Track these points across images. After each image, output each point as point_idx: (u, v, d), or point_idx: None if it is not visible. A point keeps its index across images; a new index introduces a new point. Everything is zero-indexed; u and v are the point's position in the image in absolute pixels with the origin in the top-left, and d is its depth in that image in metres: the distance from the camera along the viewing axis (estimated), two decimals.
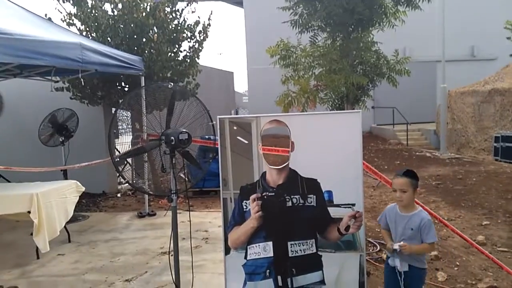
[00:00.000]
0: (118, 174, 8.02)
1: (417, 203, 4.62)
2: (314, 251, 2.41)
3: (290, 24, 9.22)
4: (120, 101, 6.77)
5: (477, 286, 3.57)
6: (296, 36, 9.43)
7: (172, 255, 3.34)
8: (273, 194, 2.39)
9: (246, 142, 2.55)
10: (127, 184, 8.32)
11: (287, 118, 2.53)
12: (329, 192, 2.44)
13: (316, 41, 9.55)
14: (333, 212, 2.45)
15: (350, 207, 2.44)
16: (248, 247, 2.47)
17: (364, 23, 8.77)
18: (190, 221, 3.62)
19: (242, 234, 2.46)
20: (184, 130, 2.91)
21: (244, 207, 2.47)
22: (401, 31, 9.76)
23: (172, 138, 2.84)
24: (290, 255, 2.38)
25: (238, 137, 2.57)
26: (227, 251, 2.60)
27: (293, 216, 2.40)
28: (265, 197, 2.36)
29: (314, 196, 2.42)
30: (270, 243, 2.40)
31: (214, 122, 3.23)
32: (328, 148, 2.50)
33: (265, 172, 2.49)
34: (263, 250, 2.41)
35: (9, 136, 7.89)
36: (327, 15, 8.61)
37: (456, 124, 14.67)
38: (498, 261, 3.69)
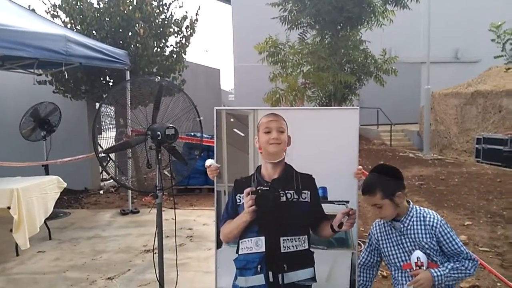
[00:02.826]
0: (101, 170, 7.89)
1: None
2: (307, 247, 2.38)
3: (279, 20, 9.22)
4: (105, 95, 6.65)
5: (459, 286, 3.59)
6: (285, 33, 9.42)
7: (156, 253, 3.29)
8: (268, 188, 2.35)
9: (243, 134, 2.50)
10: (110, 181, 8.19)
11: (284, 112, 2.48)
12: (324, 188, 2.42)
13: (305, 38, 9.56)
14: (326, 208, 2.42)
15: (344, 204, 2.42)
16: (240, 241, 2.42)
17: (353, 21, 8.83)
18: (175, 218, 3.57)
19: (234, 228, 2.41)
20: (171, 125, 2.86)
21: (238, 200, 2.43)
22: (386, 32, 9.85)
23: (159, 133, 2.78)
24: (282, 250, 2.35)
25: (235, 129, 2.52)
26: (218, 245, 2.53)
27: (287, 211, 2.37)
28: (260, 191, 2.33)
29: (309, 192, 2.40)
30: (263, 238, 2.36)
31: (201, 118, 3.19)
32: (324, 144, 2.47)
33: (260, 166, 2.45)
34: (255, 245, 2.37)
35: None
36: (316, 12, 8.64)
37: (439, 125, 14.88)
38: (481, 260, 3.72)
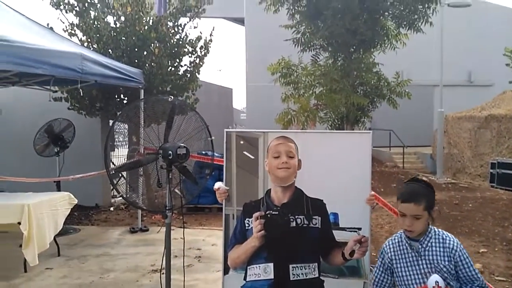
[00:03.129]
0: (112, 188, 7.91)
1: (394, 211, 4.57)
2: (317, 275, 2.29)
3: (292, 42, 9.28)
4: (119, 113, 6.73)
5: None
6: (298, 54, 9.47)
7: (163, 273, 3.25)
8: (277, 213, 2.27)
9: (253, 157, 2.46)
10: (120, 198, 8.21)
11: (295, 135, 2.45)
12: (335, 214, 2.35)
13: (318, 60, 9.59)
14: (338, 235, 2.35)
15: (355, 231, 2.34)
16: (248, 267, 2.34)
17: (366, 44, 8.83)
18: (184, 238, 3.53)
19: (242, 254, 2.34)
20: (182, 144, 2.85)
21: (247, 225, 2.36)
22: (399, 54, 9.84)
23: (170, 152, 2.79)
24: (291, 278, 2.25)
25: (245, 152, 2.49)
26: (226, 270, 2.46)
27: (297, 237, 2.29)
28: (269, 215, 2.26)
29: (319, 218, 2.32)
30: (271, 265, 2.27)
31: (213, 138, 3.19)
32: (335, 168, 2.41)
33: (270, 189, 2.39)
34: (264, 271, 2.28)
35: (4, 145, 7.78)
36: (329, 34, 8.68)
37: (452, 149, 14.70)
38: None
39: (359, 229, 2.35)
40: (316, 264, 2.30)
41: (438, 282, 1.94)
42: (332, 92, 8.57)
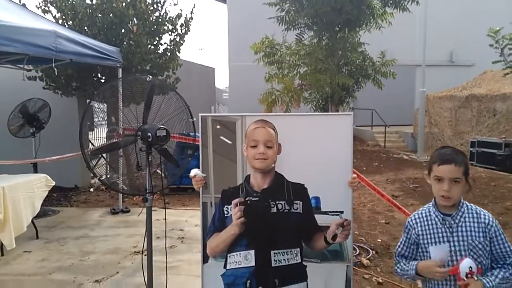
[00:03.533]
0: (90, 169, 7.76)
1: (394, 203, 4.60)
2: (299, 261, 2.24)
3: (276, 20, 9.06)
4: (95, 92, 6.55)
5: None
6: (282, 33, 9.27)
7: (145, 255, 3.20)
8: (257, 199, 2.19)
9: (230, 142, 2.36)
10: (101, 179, 8.07)
11: (274, 118, 2.37)
12: (317, 199, 2.29)
13: (302, 39, 9.39)
14: (320, 219, 2.29)
15: (338, 215, 2.29)
16: (228, 255, 2.27)
17: (351, 23, 8.68)
18: (165, 220, 3.47)
19: (222, 242, 2.27)
20: (162, 126, 2.76)
21: (226, 212, 2.27)
22: (382, 35, 9.76)
23: (149, 134, 2.69)
24: (273, 264, 2.20)
25: (221, 137, 2.38)
26: (205, 259, 2.39)
27: (278, 223, 2.22)
28: (249, 202, 2.17)
29: (301, 202, 2.26)
30: (252, 252, 2.21)
31: (194, 119, 3.09)
32: (316, 152, 2.33)
33: (249, 175, 2.33)
34: (244, 259, 2.22)
35: None
36: (314, 13, 8.49)
37: (433, 127, 14.89)
38: None
39: (341, 212, 2.31)
40: (298, 249, 2.26)
41: (471, 267, 1.83)
42: (317, 72, 8.42)
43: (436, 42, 16.71)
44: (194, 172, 2.38)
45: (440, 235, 1.95)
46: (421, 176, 9.11)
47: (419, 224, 2.02)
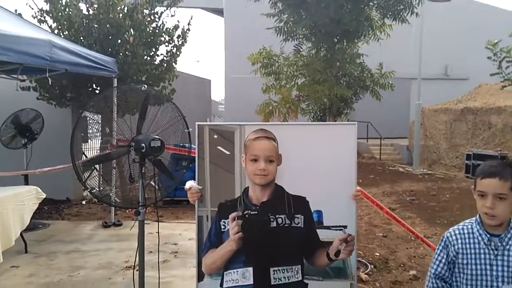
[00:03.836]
0: (81, 182, 7.63)
1: (393, 216, 4.51)
2: (300, 278, 2.11)
3: (275, 31, 8.99)
4: (89, 102, 6.47)
5: None
6: (280, 44, 9.18)
7: (137, 270, 3.10)
8: (256, 212, 2.08)
9: (228, 153, 2.26)
10: (93, 191, 7.93)
11: (275, 128, 2.26)
12: (319, 212, 2.18)
13: (301, 50, 9.30)
14: (322, 234, 2.18)
15: (341, 230, 2.18)
16: (224, 273, 2.16)
17: (350, 35, 8.63)
18: (158, 234, 3.36)
19: (218, 258, 2.14)
20: (156, 136, 2.68)
21: (222, 227, 2.17)
22: (378, 48, 9.76)
23: (143, 145, 2.60)
24: (272, 283, 2.06)
25: (219, 147, 2.27)
26: (200, 277, 2.25)
27: (278, 238, 2.12)
28: (247, 216, 2.06)
29: (302, 216, 2.15)
30: (250, 269, 2.08)
31: (190, 129, 3.01)
32: (319, 163, 2.25)
33: (247, 187, 2.21)
34: (242, 276, 2.08)
35: None
36: (313, 24, 8.44)
37: (428, 140, 14.90)
38: None
39: (345, 227, 2.19)
40: (299, 266, 2.13)
41: None
42: (315, 83, 8.34)
43: (431, 56, 16.82)
44: (189, 184, 2.25)
45: (482, 256, 1.76)
46: (417, 189, 9.06)
47: (459, 241, 1.82)
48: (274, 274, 2.08)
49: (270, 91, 9.42)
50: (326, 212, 2.19)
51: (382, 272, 4.26)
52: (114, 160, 5.76)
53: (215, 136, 2.29)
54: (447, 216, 6.56)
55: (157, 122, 2.99)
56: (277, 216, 2.13)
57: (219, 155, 2.27)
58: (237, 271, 2.11)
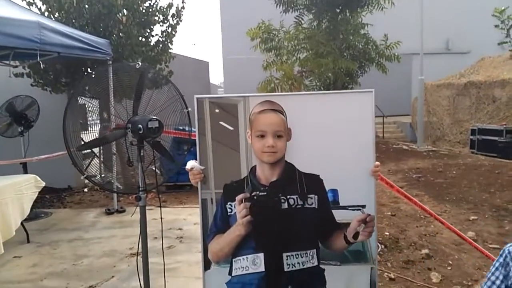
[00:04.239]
0: (85, 168, 7.50)
1: (404, 194, 4.38)
2: (315, 263, 1.94)
3: (274, 1, 8.56)
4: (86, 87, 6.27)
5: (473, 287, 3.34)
6: (280, 16, 8.73)
7: (141, 257, 2.99)
8: (265, 193, 1.88)
9: (232, 128, 2.05)
10: (95, 178, 7.82)
11: (282, 99, 2.01)
12: (334, 191, 1.98)
13: (302, 21, 8.86)
14: (338, 215, 1.99)
15: (359, 210, 1.99)
16: (233, 260, 1.97)
17: (352, 3, 8.23)
18: (161, 218, 3.23)
19: (226, 245, 1.96)
20: (154, 117, 2.51)
21: (229, 210, 1.97)
22: (376, 22, 9.44)
23: (140, 126, 2.44)
24: (285, 269, 1.89)
25: (221, 123, 2.06)
26: (206, 265, 2.08)
27: (290, 221, 1.93)
28: (255, 197, 1.86)
29: (316, 196, 1.95)
30: (261, 255, 1.91)
31: (189, 109, 2.85)
32: (332, 137, 2.04)
33: (255, 166, 2.00)
34: (252, 263, 1.91)
35: None
36: None
37: (431, 117, 14.70)
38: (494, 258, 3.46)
39: (363, 206, 2.00)
40: (315, 250, 1.95)
41: None
42: (318, 56, 8.00)
43: (432, 30, 16.48)
44: (190, 164, 2.05)
45: None
46: (423, 166, 8.92)
47: None
48: (287, 259, 1.91)
49: (271, 67, 9.13)
50: (342, 190, 2.00)
51: (393, 252, 4.14)
52: (114, 145, 5.63)
53: (217, 110, 2.06)
54: (456, 192, 6.43)
55: (154, 103, 2.82)
56: (288, 196, 1.94)
57: (222, 132, 2.06)
58: (246, 258, 1.94)
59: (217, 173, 2.06)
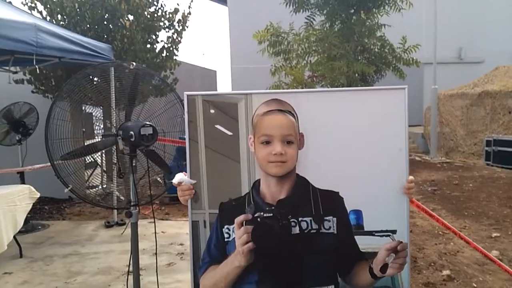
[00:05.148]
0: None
1: (425, 210, 4.05)
2: None
3: (284, 1, 8.16)
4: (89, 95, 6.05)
5: None
6: (290, 17, 8.30)
7: (140, 275, 2.73)
8: (271, 214, 1.47)
9: (230, 133, 1.65)
10: (96, 189, 7.57)
11: (293, 97, 1.60)
12: (357, 213, 1.58)
13: (313, 22, 8.37)
14: (362, 243, 1.58)
15: (388, 236, 1.59)
16: None
17: (367, 3, 7.77)
18: (155, 233, 2.96)
19: (222, 278, 1.55)
20: (148, 123, 2.24)
21: (226, 235, 1.60)
22: (389, 33, 9.11)
23: (132, 133, 2.17)
24: None
25: (218, 126, 1.65)
26: None
27: (302, 249, 1.53)
28: (259, 219, 1.47)
29: (334, 219, 1.56)
30: None
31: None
32: (356, 145, 1.63)
33: (258, 180, 1.61)
34: None
35: None
36: None
37: (444, 127, 14.31)
38: None
39: (393, 232, 1.60)
40: (333, 286, 1.55)
41: None
42: (331, 59, 7.52)
43: (445, 40, 16.17)
44: (178, 178, 1.67)
45: None
46: (437, 178, 8.56)
47: None
48: None
49: (279, 72, 8.68)
50: (367, 212, 1.59)
51: (411, 272, 3.80)
52: (114, 154, 5.39)
53: (212, 111, 1.66)
54: (475, 206, 6.06)
55: (151, 108, 2.56)
56: (300, 219, 1.54)
57: (218, 137, 1.66)
58: None
59: (211, 189, 1.66)
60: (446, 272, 3.74)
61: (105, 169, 7.19)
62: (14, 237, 4.26)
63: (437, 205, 6.21)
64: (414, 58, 8.21)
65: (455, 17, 17.51)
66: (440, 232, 4.87)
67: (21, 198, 4.35)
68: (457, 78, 15.79)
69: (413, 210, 5.24)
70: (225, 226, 1.59)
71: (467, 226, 5.17)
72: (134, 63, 2.49)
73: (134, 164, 2.26)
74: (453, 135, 13.97)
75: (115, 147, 2.41)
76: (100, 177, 7.11)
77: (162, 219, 5.92)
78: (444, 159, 12.11)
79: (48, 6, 5.93)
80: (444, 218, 5.51)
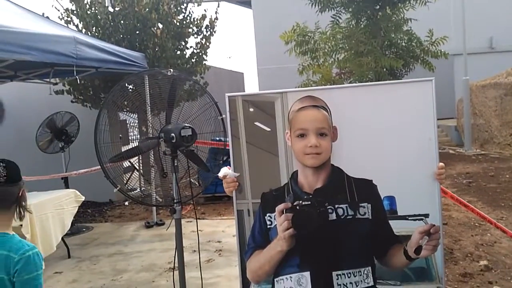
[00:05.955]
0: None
1: (460, 201, 4.04)
2: (371, 284, 1.65)
3: (309, 1, 8.22)
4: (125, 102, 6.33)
5: None
6: (315, 17, 8.32)
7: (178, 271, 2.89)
8: (309, 202, 1.60)
9: (268, 129, 1.79)
10: (134, 191, 7.87)
11: (326, 93, 1.74)
12: (391, 199, 1.69)
13: (339, 20, 8.39)
14: (397, 227, 1.68)
15: (421, 219, 1.68)
16: (275, 280, 1.70)
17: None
18: (198, 231, 3.12)
19: (266, 262, 1.68)
20: (187, 125, 2.40)
21: (268, 222, 1.72)
22: (416, 25, 8.99)
23: (173, 135, 2.34)
24: None
25: (257, 123, 1.80)
26: (245, 285, 1.81)
27: (339, 234, 1.66)
28: (298, 207, 1.59)
29: (369, 205, 1.67)
30: (307, 274, 1.64)
31: (223, 116, 2.72)
32: (387, 135, 1.73)
33: (296, 171, 1.74)
34: (297, 284, 1.65)
35: (11, 143, 7.46)
36: None
37: (478, 119, 13.98)
38: None
39: (426, 216, 1.70)
40: (369, 268, 1.67)
41: None
42: (359, 56, 7.56)
43: (474, 29, 15.77)
44: (223, 171, 1.84)
45: None
46: (472, 171, 8.41)
47: None
48: (337, 279, 1.63)
49: (307, 71, 8.73)
50: (400, 198, 1.71)
51: (448, 263, 3.81)
52: (152, 157, 5.62)
53: (251, 110, 1.82)
54: (511, 197, 5.96)
55: (188, 111, 2.72)
56: (336, 206, 1.67)
57: (257, 133, 1.82)
58: (290, 277, 1.67)
59: (253, 180, 1.82)
60: (483, 262, 3.74)
61: (142, 172, 7.49)
62: (62, 239, 4.54)
63: (473, 197, 6.14)
64: (442, 50, 8.05)
65: (484, 5, 17.03)
66: (476, 224, 4.84)
67: (68, 201, 4.63)
68: (489, 68, 15.36)
69: (448, 203, 5.25)
70: (267, 214, 1.74)
71: (504, 217, 5.11)
72: (171, 70, 2.66)
73: (176, 164, 2.42)
74: (488, 126, 13.62)
75: (152, 151, 2.57)
76: (137, 180, 7.42)
77: (199, 218, 6.11)
78: (479, 151, 11.84)
79: (84, 19, 6.24)
80: (480, 209, 5.43)
